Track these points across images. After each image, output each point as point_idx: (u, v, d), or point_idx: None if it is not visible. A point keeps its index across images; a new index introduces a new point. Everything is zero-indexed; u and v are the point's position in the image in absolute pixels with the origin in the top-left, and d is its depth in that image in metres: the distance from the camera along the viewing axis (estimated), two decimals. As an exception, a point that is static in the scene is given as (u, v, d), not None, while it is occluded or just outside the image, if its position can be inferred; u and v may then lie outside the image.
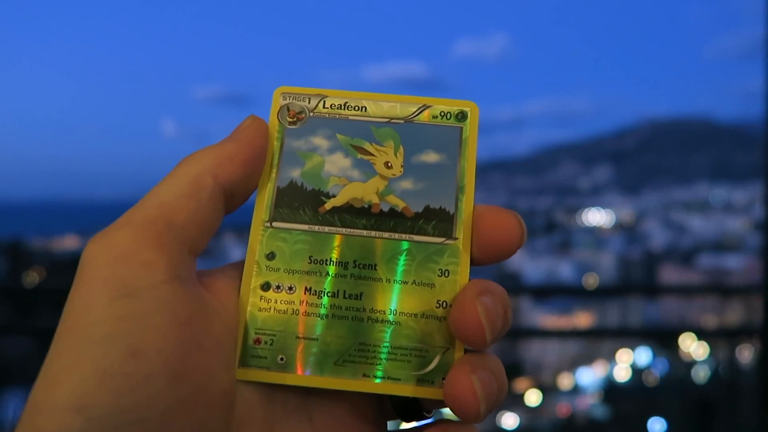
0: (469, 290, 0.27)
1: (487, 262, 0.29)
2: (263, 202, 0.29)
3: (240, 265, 0.29)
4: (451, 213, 0.29)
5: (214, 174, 0.27)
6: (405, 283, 0.28)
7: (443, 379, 0.27)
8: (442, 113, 0.31)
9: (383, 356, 0.27)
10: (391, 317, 0.28)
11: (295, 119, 0.30)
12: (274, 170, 0.29)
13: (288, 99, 0.31)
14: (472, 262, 0.29)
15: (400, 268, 0.28)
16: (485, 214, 0.29)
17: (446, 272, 0.28)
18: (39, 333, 2.08)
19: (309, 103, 0.31)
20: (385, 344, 0.28)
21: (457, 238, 0.29)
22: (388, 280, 0.28)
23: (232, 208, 0.28)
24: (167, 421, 0.23)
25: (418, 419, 0.30)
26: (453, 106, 0.31)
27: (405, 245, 0.29)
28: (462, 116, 0.31)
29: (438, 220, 0.29)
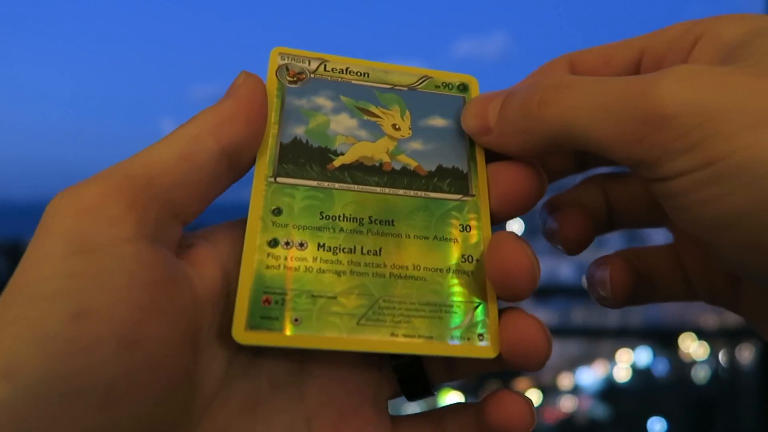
0: (503, 234, 0.25)
1: (506, 217, 0.28)
2: (265, 157, 0.27)
3: (230, 225, 0.26)
4: (465, 172, 0.28)
5: (215, 135, 0.24)
6: (426, 238, 0.26)
7: (480, 336, 0.25)
8: (444, 84, 0.30)
9: (411, 313, 0.25)
10: (415, 273, 0.26)
11: (295, 78, 0.28)
12: (276, 126, 0.27)
13: (287, 59, 0.29)
14: (492, 219, 0.27)
15: (419, 224, 0.27)
16: (499, 167, 0.28)
17: (467, 227, 0.27)
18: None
19: (309, 65, 0.29)
20: (412, 300, 0.25)
21: (474, 195, 0.28)
22: (408, 236, 0.26)
23: (238, 173, 0.26)
24: (113, 393, 0.20)
25: (424, 395, 0.27)
26: (454, 78, 0.30)
27: (422, 201, 0.27)
28: (463, 87, 0.30)
29: (453, 179, 0.28)
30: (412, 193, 0.27)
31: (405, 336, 0.25)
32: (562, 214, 0.30)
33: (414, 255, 0.26)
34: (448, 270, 0.26)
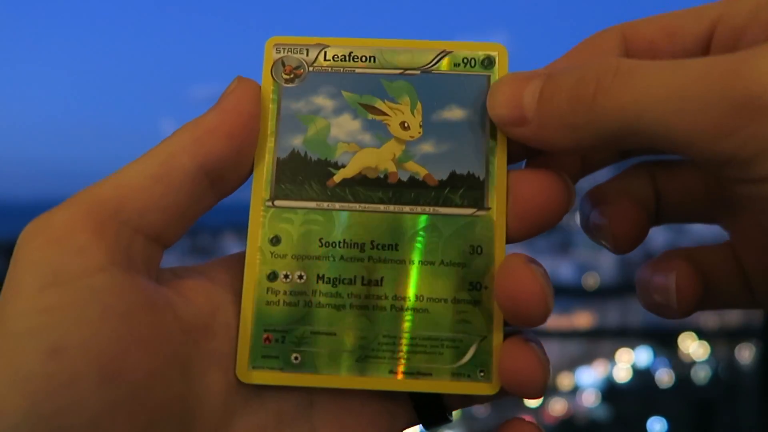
0: (514, 259, 0.23)
1: (525, 236, 0.25)
2: (262, 177, 0.25)
3: (227, 260, 0.26)
4: (481, 179, 0.25)
5: (191, 152, 0.23)
6: (431, 263, 0.25)
7: (481, 372, 0.24)
8: (465, 60, 0.26)
9: (411, 349, 0.24)
10: (417, 304, 0.25)
11: (292, 75, 0.26)
12: (272, 138, 0.26)
13: (282, 51, 0.26)
14: (508, 237, 0.25)
15: (424, 247, 0.25)
16: (521, 176, 0.25)
17: (479, 249, 0.25)
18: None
19: (307, 55, 0.26)
20: (412, 335, 0.24)
21: (489, 208, 0.25)
22: (412, 262, 0.25)
23: (224, 190, 0.24)
24: (99, 428, 0.20)
25: (441, 423, 0.26)
26: (478, 51, 0.26)
27: (429, 220, 0.25)
28: (489, 62, 0.26)
29: (466, 188, 0.25)
30: (419, 209, 0.25)
31: (404, 373, 0.24)
32: (612, 208, 0.27)
33: (417, 284, 0.25)
34: (453, 300, 0.25)
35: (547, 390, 0.25)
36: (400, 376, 0.24)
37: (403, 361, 0.24)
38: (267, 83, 0.26)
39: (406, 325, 0.25)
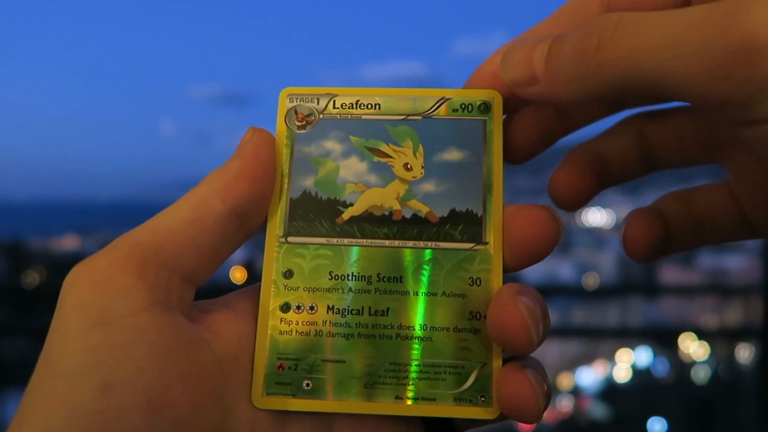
0: (505, 291, 0.25)
1: (520, 266, 0.27)
2: (276, 215, 0.27)
3: (247, 292, 0.28)
4: (479, 215, 0.27)
5: (222, 197, 0.25)
6: (434, 294, 0.27)
7: (482, 397, 0.26)
8: (463, 106, 0.28)
9: (415, 375, 0.26)
10: (421, 333, 0.26)
11: (304, 122, 0.28)
12: (286, 180, 0.28)
13: (295, 101, 0.29)
14: (505, 268, 0.27)
15: (427, 279, 0.27)
16: (514, 212, 0.27)
17: (478, 280, 0.27)
18: (39, 333, 2.08)
19: (318, 104, 0.29)
20: (417, 362, 0.26)
21: (487, 243, 0.27)
22: (416, 293, 0.27)
23: (251, 229, 0.26)
24: None
25: None
26: (474, 97, 0.28)
27: (431, 254, 0.27)
28: (485, 108, 0.28)
29: (465, 224, 0.27)
30: (422, 244, 0.27)
31: (409, 398, 0.26)
32: (557, 172, 0.29)
33: (421, 314, 0.27)
34: (455, 329, 0.26)
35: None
36: (406, 402, 0.26)
37: (408, 387, 0.26)
38: (281, 129, 0.28)
39: (411, 352, 0.26)
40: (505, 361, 0.26)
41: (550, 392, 0.25)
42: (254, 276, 2.63)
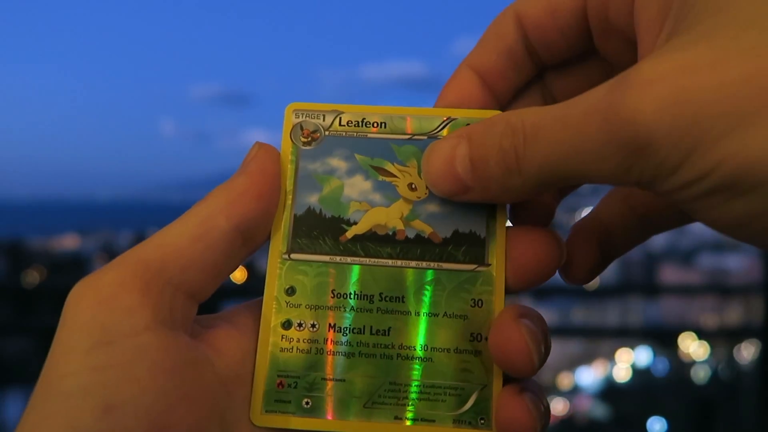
0: (507, 313, 0.25)
1: (522, 288, 0.27)
2: (279, 231, 0.27)
3: (250, 307, 0.27)
4: (482, 237, 0.27)
5: (226, 213, 0.25)
6: (435, 315, 0.26)
7: (482, 419, 0.26)
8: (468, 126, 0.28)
9: (415, 396, 0.26)
10: (422, 353, 0.26)
11: (309, 139, 0.28)
12: (290, 196, 0.27)
13: (301, 116, 0.28)
14: (507, 289, 0.27)
15: (429, 300, 0.27)
16: (518, 234, 0.27)
17: (479, 302, 0.26)
18: (39, 333, 2.08)
19: (324, 120, 0.28)
20: (417, 383, 0.26)
21: (490, 264, 0.27)
22: (417, 313, 0.27)
23: (254, 246, 0.26)
24: None
25: None
26: (479, 117, 0.28)
27: (434, 274, 0.27)
28: None
29: (468, 246, 0.27)
30: (424, 264, 0.27)
31: (408, 419, 0.26)
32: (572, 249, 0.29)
33: (422, 334, 0.26)
34: (456, 350, 0.26)
35: (547, 390, 0.25)
36: (405, 422, 0.26)
37: (407, 407, 0.26)
38: (286, 145, 0.28)
39: (411, 373, 0.26)
40: (504, 383, 0.26)
41: (549, 413, 0.26)
42: (254, 276, 2.63)
